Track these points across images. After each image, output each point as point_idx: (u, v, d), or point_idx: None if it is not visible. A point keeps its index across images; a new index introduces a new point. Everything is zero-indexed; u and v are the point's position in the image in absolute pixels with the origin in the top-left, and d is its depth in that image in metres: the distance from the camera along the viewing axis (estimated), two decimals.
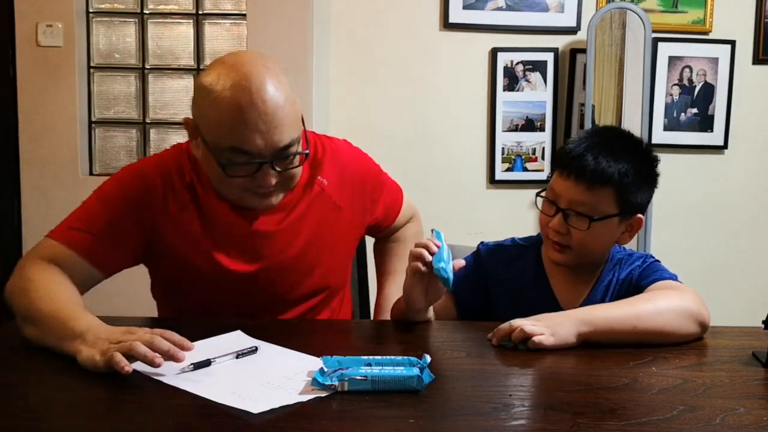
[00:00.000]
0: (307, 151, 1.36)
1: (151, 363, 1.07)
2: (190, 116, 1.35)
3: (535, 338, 1.23)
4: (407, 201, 1.69)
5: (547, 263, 1.55)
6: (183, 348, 1.12)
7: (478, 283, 1.55)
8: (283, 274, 1.45)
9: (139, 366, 1.09)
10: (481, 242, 1.62)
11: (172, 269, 1.45)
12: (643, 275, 1.48)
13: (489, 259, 1.58)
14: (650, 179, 1.48)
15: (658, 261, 1.54)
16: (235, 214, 1.40)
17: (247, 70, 1.27)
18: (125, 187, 1.40)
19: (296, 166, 1.35)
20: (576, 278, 1.52)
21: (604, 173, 1.40)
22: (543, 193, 1.48)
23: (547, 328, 1.25)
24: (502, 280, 1.54)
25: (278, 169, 1.31)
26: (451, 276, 1.28)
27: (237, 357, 1.17)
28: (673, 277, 1.47)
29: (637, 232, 1.49)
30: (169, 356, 1.09)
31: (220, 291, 1.44)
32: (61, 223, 1.37)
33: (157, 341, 1.10)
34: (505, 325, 1.28)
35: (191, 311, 1.47)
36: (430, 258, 1.29)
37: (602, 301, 1.50)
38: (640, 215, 1.47)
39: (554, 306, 1.48)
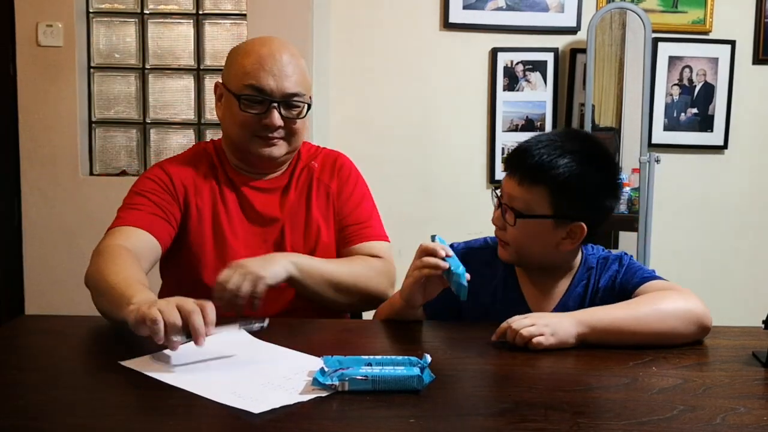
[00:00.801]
0: (310, 102, 1.61)
1: (196, 340, 1.11)
2: (220, 81, 1.63)
3: (535, 340, 1.23)
4: (386, 247, 1.66)
5: (519, 271, 1.50)
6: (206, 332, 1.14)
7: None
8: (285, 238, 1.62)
9: (138, 366, 1.09)
10: (451, 244, 1.53)
11: (185, 253, 1.58)
12: (626, 278, 1.45)
13: (466, 254, 1.52)
14: (601, 188, 1.40)
15: (631, 257, 1.51)
16: (245, 193, 1.62)
17: (269, 38, 1.62)
18: (154, 177, 1.60)
19: (299, 117, 1.59)
20: (547, 283, 1.49)
21: (539, 171, 1.35)
22: (496, 193, 1.47)
23: (547, 327, 1.25)
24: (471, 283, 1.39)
25: (283, 113, 1.56)
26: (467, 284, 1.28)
27: (239, 328, 1.22)
28: (653, 274, 1.45)
29: (580, 242, 1.42)
30: (195, 335, 1.12)
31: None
32: (115, 219, 1.53)
33: (198, 318, 1.13)
34: (504, 325, 1.27)
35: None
36: (446, 265, 1.29)
37: (576, 308, 1.41)
38: (581, 223, 1.38)
39: (525, 311, 1.41)
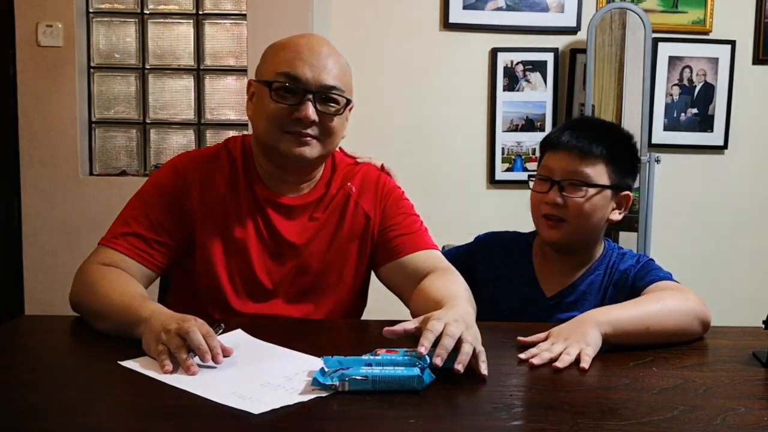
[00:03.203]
0: (350, 98, 1.46)
1: (201, 357, 1.11)
2: (253, 79, 1.49)
3: (583, 365, 1.16)
4: (438, 254, 1.54)
5: (536, 250, 1.59)
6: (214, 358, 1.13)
7: (465, 267, 1.53)
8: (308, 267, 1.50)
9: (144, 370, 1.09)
10: (446, 247, 1.69)
11: (201, 264, 1.47)
12: (639, 276, 1.49)
13: (481, 245, 1.65)
14: (633, 159, 1.57)
15: (653, 260, 1.55)
16: (268, 207, 1.48)
17: (311, 35, 1.49)
18: (161, 184, 1.47)
19: (335, 113, 1.43)
20: (563, 267, 1.55)
21: (595, 146, 1.48)
22: (534, 175, 1.54)
23: (578, 342, 1.20)
24: (489, 262, 1.54)
25: (318, 107, 1.40)
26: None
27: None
28: (668, 276, 1.47)
29: (626, 211, 1.56)
30: (209, 356, 1.12)
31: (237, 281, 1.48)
32: (110, 229, 1.45)
33: (210, 339, 1.13)
34: (535, 351, 1.20)
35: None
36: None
37: (585, 294, 1.51)
38: (628, 192, 1.54)
39: (535, 290, 1.54)
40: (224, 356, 1.14)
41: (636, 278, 1.49)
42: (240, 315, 1.45)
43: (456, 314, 1.17)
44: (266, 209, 1.48)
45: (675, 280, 1.47)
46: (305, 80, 1.39)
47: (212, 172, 1.48)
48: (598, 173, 1.49)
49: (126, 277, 1.37)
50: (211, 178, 1.48)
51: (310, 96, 1.39)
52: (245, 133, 1.62)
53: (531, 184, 1.54)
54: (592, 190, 1.48)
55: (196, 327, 1.14)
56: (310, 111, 1.39)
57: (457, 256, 1.63)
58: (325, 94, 1.41)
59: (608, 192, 1.50)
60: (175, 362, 1.11)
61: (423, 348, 1.07)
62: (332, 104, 1.42)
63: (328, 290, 1.52)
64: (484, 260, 1.62)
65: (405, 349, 1.13)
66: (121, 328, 1.25)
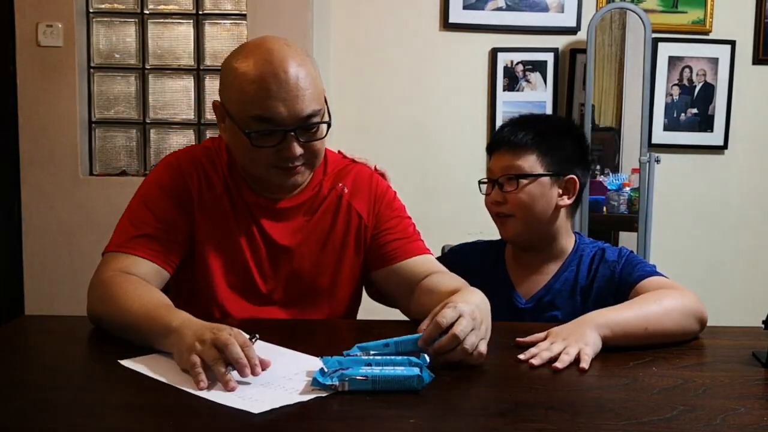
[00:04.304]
0: (329, 121, 1.39)
1: (240, 371, 1.05)
2: (218, 100, 1.41)
3: (582, 364, 1.16)
4: (433, 258, 1.54)
5: (509, 256, 1.61)
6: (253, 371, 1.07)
7: None
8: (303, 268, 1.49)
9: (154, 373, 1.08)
10: (446, 247, 1.71)
11: (199, 265, 1.45)
12: (626, 271, 1.49)
13: (454, 257, 1.66)
14: (574, 144, 1.58)
15: (633, 252, 1.57)
16: (264, 214, 1.46)
17: (269, 47, 1.34)
18: (161, 182, 1.44)
19: (319, 138, 1.38)
20: (536, 268, 1.57)
21: (522, 137, 1.53)
22: (483, 180, 1.60)
23: (577, 342, 1.21)
24: (465, 275, 1.44)
25: (302, 140, 1.35)
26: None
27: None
28: (654, 269, 1.48)
29: (576, 195, 1.56)
30: (249, 371, 1.06)
31: (239, 283, 1.46)
32: (114, 236, 1.40)
33: (247, 350, 1.07)
34: (535, 351, 1.20)
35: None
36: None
37: (561, 292, 1.53)
38: (572, 176, 1.54)
39: (510, 293, 1.55)
40: (262, 369, 1.07)
41: (622, 274, 1.49)
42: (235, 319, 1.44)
43: (474, 302, 1.17)
44: (256, 213, 1.46)
45: (661, 273, 1.47)
46: (281, 119, 1.31)
47: (208, 171, 1.46)
48: (531, 164, 1.52)
49: (144, 285, 1.31)
50: (209, 177, 1.45)
51: (292, 133, 1.33)
52: None
53: (482, 187, 1.60)
54: (524, 181, 1.51)
55: (234, 337, 1.07)
56: (295, 149, 1.34)
57: None
58: (304, 125, 1.34)
59: (545, 180, 1.52)
60: (208, 376, 1.05)
61: (423, 342, 1.11)
62: (313, 131, 1.37)
63: (323, 293, 1.51)
64: (460, 273, 1.48)
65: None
66: (147, 340, 1.19)
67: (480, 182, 1.61)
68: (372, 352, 1.13)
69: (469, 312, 1.13)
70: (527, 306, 1.55)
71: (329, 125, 1.39)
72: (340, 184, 1.51)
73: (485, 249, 1.67)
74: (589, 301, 1.51)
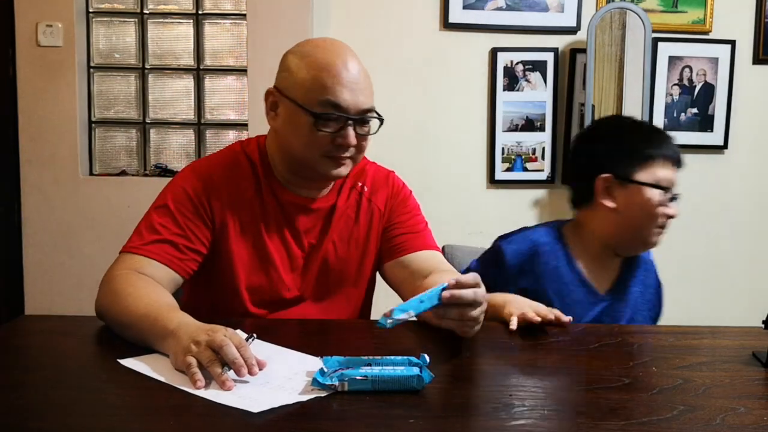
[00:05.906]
0: (382, 117, 1.45)
1: (237, 371, 1.06)
2: (272, 88, 1.46)
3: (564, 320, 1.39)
4: (441, 256, 1.58)
5: (575, 249, 1.64)
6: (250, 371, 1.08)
7: (495, 281, 1.52)
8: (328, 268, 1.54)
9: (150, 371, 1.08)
10: (500, 239, 1.66)
11: (225, 266, 1.47)
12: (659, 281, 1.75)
13: (518, 259, 1.61)
14: None
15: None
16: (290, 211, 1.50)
17: (337, 43, 1.47)
18: (186, 190, 1.45)
19: (370, 133, 1.45)
20: (603, 262, 1.66)
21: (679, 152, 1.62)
22: (658, 189, 1.59)
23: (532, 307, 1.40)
24: (534, 278, 1.60)
25: (357, 131, 1.42)
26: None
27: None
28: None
29: None
30: (245, 371, 1.07)
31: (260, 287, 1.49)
32: (133, 237, 1.41)
33: (243, 351, 1.08)
34: (520, 317, 1.38)
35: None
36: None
37: (630, 284, 1.67)
38: None
39: (587, 288, 1.63)
40: (258, 369, 1.07)
41: (658, 284, 1.79)
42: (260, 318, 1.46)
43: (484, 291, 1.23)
44: (289, 212, 1.50)
45: None
46: (346, 107, 1.39)
47: (236, 177, 1.48)
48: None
49: (153, 285, 1.33)
50: (237, 184, 1.48)
51: (351, 122, 1.40)
52: (246, 133, 1.61)
53: (650, 192, 1.57)
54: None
55: (229, 338, 1.08)
56: (351, 137, 1.40)
57: (485, 271, 1.44)
58: (363, 118, 1.42)
59: None
60: (205, 375, 1.06)
61: (447, 292, 1.15)
62: (367, 126, 1.44)
63: (349, 287, 1.56)
64: (529, 278, 1.61)
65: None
66: (148, 340, 1.20)
67: (673, 197, 1.62)
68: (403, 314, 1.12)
69: (483, 293, 1.20)
70: (605, 299, 1.65)
71: (382, 122, 1.45)
72: (360, 183, 1.57)
73: (549, 249, 1.63)
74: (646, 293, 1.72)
